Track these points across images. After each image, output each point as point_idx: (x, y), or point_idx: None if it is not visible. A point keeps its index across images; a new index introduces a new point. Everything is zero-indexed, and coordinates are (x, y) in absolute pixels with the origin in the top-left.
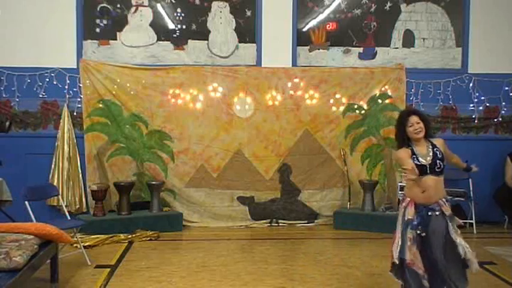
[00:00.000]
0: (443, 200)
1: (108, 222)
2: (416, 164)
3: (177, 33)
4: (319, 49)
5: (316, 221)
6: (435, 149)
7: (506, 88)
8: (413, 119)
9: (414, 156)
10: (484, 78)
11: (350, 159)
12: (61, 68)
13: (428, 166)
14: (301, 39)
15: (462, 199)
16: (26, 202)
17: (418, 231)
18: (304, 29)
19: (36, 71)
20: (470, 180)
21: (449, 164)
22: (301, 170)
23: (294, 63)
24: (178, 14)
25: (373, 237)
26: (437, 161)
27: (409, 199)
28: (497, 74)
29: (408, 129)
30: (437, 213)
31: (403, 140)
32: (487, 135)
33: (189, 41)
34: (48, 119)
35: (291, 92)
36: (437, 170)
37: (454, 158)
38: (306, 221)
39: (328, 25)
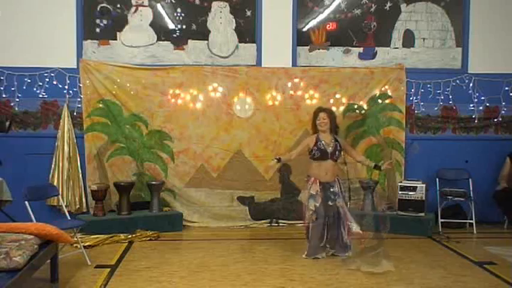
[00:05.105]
0: (337, 178)
1: (108, 222)
2: (320, 148)
3: (177, 33)
4: (319, 49)
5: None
6: (337, 143)
7: (506, 88)
8: (322, 115)
9: (320, 142)
10: (484, 78)
11: (350, 159)
12: (61, 68)
13: (329, 153)
14: (301, 39)
15: (462, 199)
16: (26, 202)
17: (329, 203)
18: (304, 29)
19: (36, 71)
20: (470, 180)
21: (355, 161)
22: (301, 170)
23: (294, 63)
24: (178, 14)
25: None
26: (337, 152)
27: (313, 178)
28: (497, 74)
29: (316, 122)
30: (332, 189)
31: (314, 129)
32: (487, 135)
33: (189, 41)
34: (48, 119)
35: (291, 92)
36: (335, 158)
37: (359, 157)
38: None
39: (328, 25)
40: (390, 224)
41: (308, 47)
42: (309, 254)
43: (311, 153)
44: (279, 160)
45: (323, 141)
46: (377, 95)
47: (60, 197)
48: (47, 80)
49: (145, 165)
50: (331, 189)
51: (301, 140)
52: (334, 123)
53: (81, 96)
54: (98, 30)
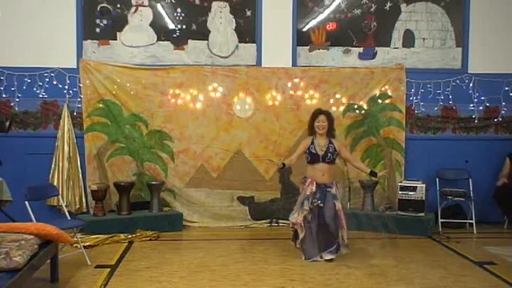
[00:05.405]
0: (334, 182)
1: (108, 222)
2: (311, 152)
3: (177, 33)
4: (319, 49)
5: None
6: (330, 145)
7: (506, 88)
8: (322, 117)
9: (312, 145)
10: (484, 78)
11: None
12: (61, 68)
13: (320, 156)
14: (301, 39)
15: (462, 199)
16: (26, 202)
17: (320, 204)
18: (304, 29)
19: (36, 71)
20: (470, 180)
21: (353, 167)
22: (301, 170)
23: (294, 63)
24: (178, 14)
25: (373, 237)
26: (329, 154)
27: (310, 179)
28: (497, 74)
29: (315, 123)
30: (330, 190)
31: (310, 130)
32: (487, 135)
33: (189, 41)
34: (48, 119)
35: (291, 92)
36: (327, 160)
37: (356, 163)
38: None
39: (328, 25)
40: (389, 224)
41: (308, 47)
42: (306, 256)
43: (305, 156)
44: (283, 166)
45: (316, 145)
46: (377, 95)
47: (60, 197)
48: (47, 80)
49: (145, 165)
50: (328, 190)
51: (301, 140)
52: (331, 127)
53: (81, 96)
54: (98, 30)
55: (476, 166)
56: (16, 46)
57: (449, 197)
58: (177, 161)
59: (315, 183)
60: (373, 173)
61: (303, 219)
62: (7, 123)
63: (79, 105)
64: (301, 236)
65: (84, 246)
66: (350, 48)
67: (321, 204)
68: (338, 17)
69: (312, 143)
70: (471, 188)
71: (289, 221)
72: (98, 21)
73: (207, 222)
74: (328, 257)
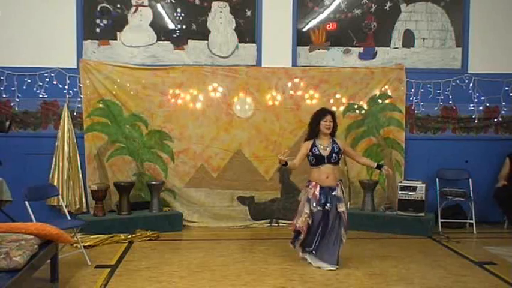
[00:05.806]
0: (339, 182)
1: (108, 222)
2: (314, 153)
3: (177, 33)
4: (319, 49)
5: None
6: (334, 145)
7: (506, 88)
8: (329, 117)
9: (315, 147)
10: (484, 78)
11: (350, 160)
12: (61, 68)
13: (325, 157)
14: (301, 39)
15: (462, 199)
16: (26, 202)
17: (326, 207)
18: (304, 29)
19: (36, 71)
20: (470, 180)
21: (358, 163)
22: (301, 170)
23: (294, 63)
24: (178, 14)
25: (373, 237)
26: (333, 154)
27: (314, 182)
28: (497, 74)
29: (322, 122)
30: (334, 193)
31: (312, 130)
32: (487, 135)
33: (189, 41)
34: (48, 119)
35: (291, 92)
36: (332, 160)
37: (360, 159)
38: None
39: (328, 25)
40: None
41: (308, 47)
42: (299, 252)
43: (308, 159)
44: (285, 164)
45: (319, 145)
46: (377, 95)
47: (60, 197)
48: (47, 80)
49: (145, 165)
50: (333, 193)
51: (301, 141)
52: (336, 127)
53: (81, 96)
54: (98, 30)
55: (476, 166)
56: (16, 46)
57: (449, 197)
58: (177, 161)
59: (318, 186)
60: (379, 166)
61: (305, 223)
62: (7, 123)
63: (79, 105)
64: (301, 237)
65: (84, 246)
66: (350, 48)
67: (327, 208)
68: (338, 17)
69: (314, 144)
70: (471, 188)
71: (290, 221)
72: (98, 21)
73: (207, 222)
74: (317, 264)
